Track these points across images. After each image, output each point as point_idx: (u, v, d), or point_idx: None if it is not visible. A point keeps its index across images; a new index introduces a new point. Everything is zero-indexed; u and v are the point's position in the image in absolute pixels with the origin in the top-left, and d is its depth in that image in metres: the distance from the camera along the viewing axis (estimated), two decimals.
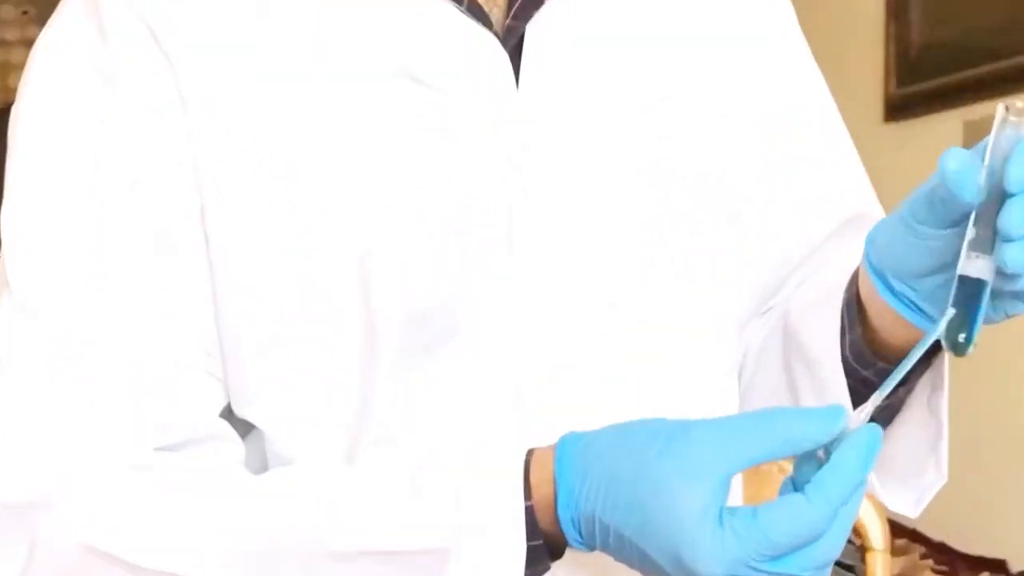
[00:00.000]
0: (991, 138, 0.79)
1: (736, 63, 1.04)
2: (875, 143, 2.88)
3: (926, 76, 3.27)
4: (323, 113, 0.91)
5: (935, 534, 3.08)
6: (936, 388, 0.95)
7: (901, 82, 3.38)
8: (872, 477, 0.96)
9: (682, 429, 0.80)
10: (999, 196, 0.78)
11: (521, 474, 0.83)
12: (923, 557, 3.14)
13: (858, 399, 0.93)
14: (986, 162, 0.79)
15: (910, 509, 0.99)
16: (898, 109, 3.38)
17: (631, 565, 0.81)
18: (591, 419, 0.85)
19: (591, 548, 0.82)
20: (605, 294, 0.96)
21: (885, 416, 0.97)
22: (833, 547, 0.78)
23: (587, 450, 0.82)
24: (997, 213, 0.78)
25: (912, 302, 0.88)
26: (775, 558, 0.77)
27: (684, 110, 1.00)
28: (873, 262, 0.90)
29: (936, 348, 0.83)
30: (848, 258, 1.00)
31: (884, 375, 0.90)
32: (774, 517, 0.77)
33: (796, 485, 0.79)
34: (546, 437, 0.85)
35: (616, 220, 0.97)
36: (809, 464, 0.79)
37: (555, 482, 0.82)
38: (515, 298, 0.94)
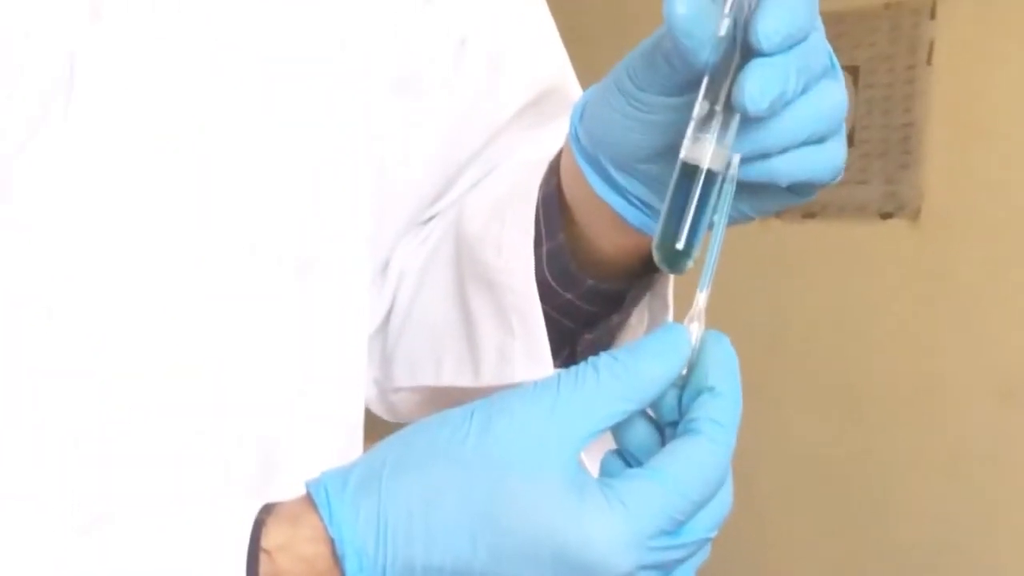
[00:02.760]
0: None
1: None
2: None
3: None
4: None
5: None
6: (657, 319, 0.77)
7: None
8: None
9: (492, 407, 0.59)
10: (744, 57, 0.60)
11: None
12: None
13: (558, 331, 0.76)
14: (727, 8, 0.60)
15: None
16: None
17: None
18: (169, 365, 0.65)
19: None
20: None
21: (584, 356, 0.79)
22: (729, 494, 0.61)
23: (370, 482, 0.59)
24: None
25: (635, 196, 0.68)
26: (681, 524, 0.59)
27: None
28: (582, 141, 0.68)
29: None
30: (538, 147, 0.79)
31: (594, 297, 0.73)
32: (681, 468, 0.58)
33: (627, 456, 0.62)
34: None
35: (198, 73, 0.73)
36: (636, 422, 0.62)
37: (332, 541, 0.59)
38: (70, 168, 0.69)
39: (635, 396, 0.60)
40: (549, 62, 0.88)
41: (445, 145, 0.85)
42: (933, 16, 2.76)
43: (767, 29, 0.59)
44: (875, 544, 2.84)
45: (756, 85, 0.59)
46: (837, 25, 2.74)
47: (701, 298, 0.62)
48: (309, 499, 0.60)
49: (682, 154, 0.61)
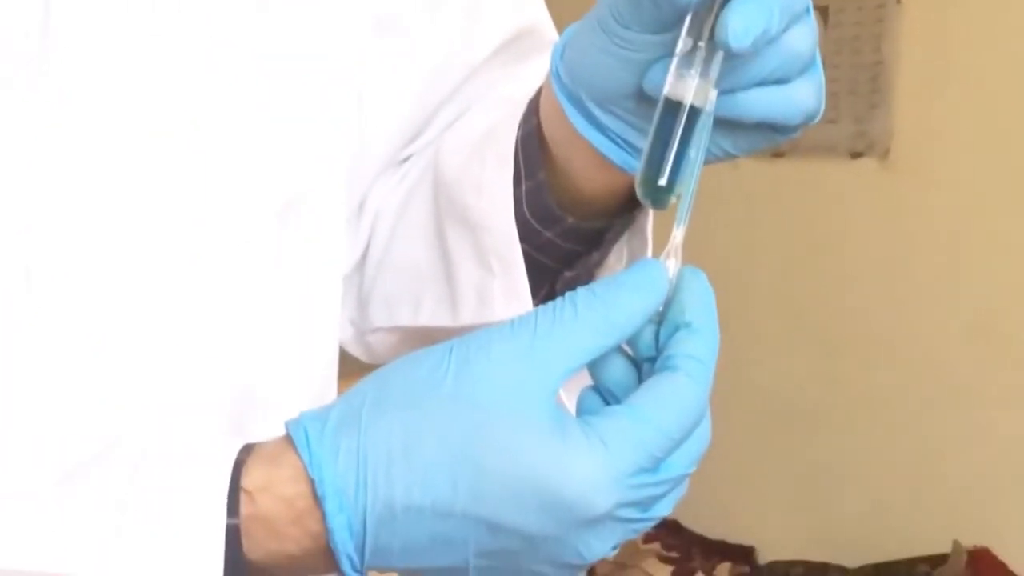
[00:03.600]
0: None
1: None
2: None
3: None
4: None
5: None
6: (636, 257, 0.77)
7: None
8: None
9: (470, 345, 0.59)
10: None
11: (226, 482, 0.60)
12: (647, 540, 2.89)
13: (538, 270, 0.76)
14: None
15: None
16: None
17: (462, 561, 0.59)
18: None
19: (383, 565, 0.60)
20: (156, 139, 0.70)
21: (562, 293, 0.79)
22: (707, 430, 0.62)
23: (349, 422, 0.59)
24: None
25: (615, 134, 0.67)
26: (660, 461, 0.59)
27: None
28: (563, 79, 0.68)
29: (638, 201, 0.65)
30: (516, 85, 0.80)
31: (573, 235, 0.73)
32: (659, 406, 0.59)
33: (605, 392, 0.62)
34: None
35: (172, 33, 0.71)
36: (613, 359, 0.62)
37: (312, 481, 0.59)
38: (48, 133, 0.68)
39: (613, 330, 0.60)
40: (525, 1, 0.88)
41: (422, 84, 0.85)
42: None
43: None
44: (846, 479, 2.87)
45: (740, 22, 0.59)
46: None
47: (678, 234, 0.63)
48: (288, 439, 0.60)
49: (665, 90, 0.62)
